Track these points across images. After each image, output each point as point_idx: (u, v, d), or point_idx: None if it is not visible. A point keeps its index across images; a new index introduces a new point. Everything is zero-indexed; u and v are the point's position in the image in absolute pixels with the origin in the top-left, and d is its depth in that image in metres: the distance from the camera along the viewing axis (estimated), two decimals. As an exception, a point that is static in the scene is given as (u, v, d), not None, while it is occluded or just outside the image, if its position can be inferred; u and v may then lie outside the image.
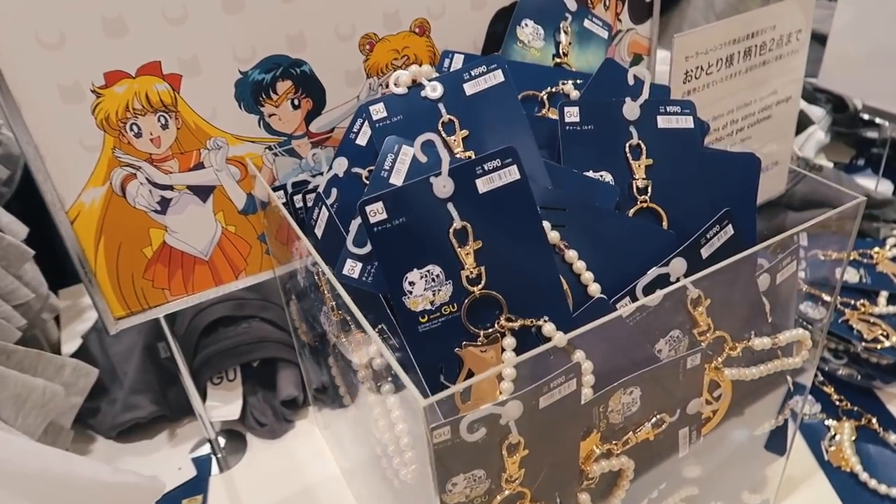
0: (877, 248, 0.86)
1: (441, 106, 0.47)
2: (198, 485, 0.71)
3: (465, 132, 0.47)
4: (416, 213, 0.40)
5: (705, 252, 0.45)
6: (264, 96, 0.59)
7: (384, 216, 0.39)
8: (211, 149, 0.59)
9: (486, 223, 0.41)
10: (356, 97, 0.63)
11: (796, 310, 0.55)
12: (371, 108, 0.48)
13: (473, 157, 0.46)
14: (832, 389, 0.75)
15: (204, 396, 0.78)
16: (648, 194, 0.47)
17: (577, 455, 0.43)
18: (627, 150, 0.48)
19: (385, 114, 0.48)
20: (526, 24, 0.65)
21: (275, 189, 0.59)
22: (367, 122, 0.49)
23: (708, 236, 0.44)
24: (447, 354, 0.42)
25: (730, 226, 0.45)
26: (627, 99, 0.48)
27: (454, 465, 0.39)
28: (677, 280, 0.44)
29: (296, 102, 0.61)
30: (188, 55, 0.55)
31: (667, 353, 0.46)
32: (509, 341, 0.42)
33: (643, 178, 0.48)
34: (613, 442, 0.46)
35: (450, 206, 0.40)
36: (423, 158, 0.43)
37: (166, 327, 0.66)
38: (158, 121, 0.56)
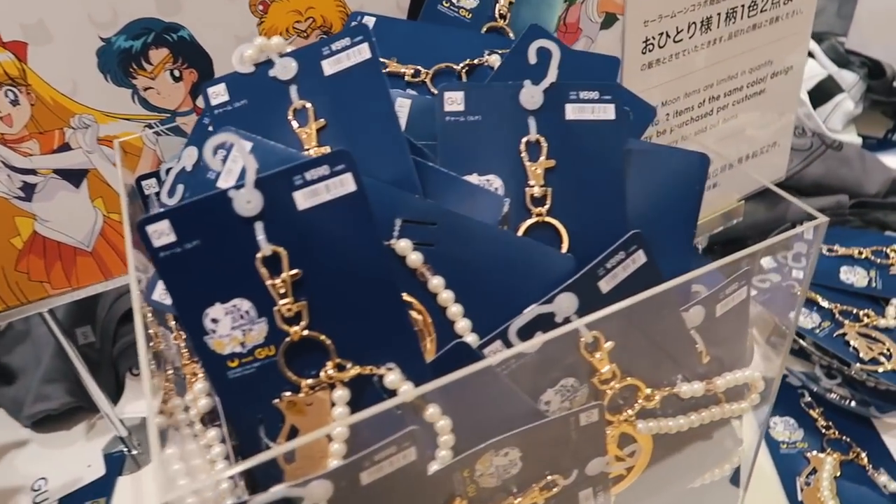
0: (894, 246, 0.74)
1: (293, 88, 0.38)
2: (105, 485, 0.67)
3: (321, 122, 0.38)
4: (213, 235, 0.31)
5: (605, 285, 0.35)
6: (135, 67, 0.50)
7: (172, 238, 0.31)
8: (77, 128, 0.51)
9: (309, 247, 0.32)
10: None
11: (752, 338, 0.45)
12: (210, 90, 0.39)
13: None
14: (818, 413, 0.64)
15: (123, 388, 0.73)
16: (546, 206, 0.38)
17: (436, 527, 0.35)
18: (523, 147, 0.38)
19: (227, 97, 0.39)
20: (456, -19, 0.54)
21: (150, 175, 0.51)
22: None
23: (608, 265, 0.35)
24: (265, 406, 0.34)
25: (640, 251, 0.35)
26: (527, 82, 0.38)
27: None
28: (565, 321, 0.35)
29: (176, 74, 0.52)
30: (32, 19, 0.46)
31: (558, 405, 0.37)
32: (340, 394, 0.34)
33: (541, 186, 0.38)
34: (491, 507, 0.38)
35: (257, 227, 0.31)
36: (215, 167, 0.34)
37: (51, 320, 0.60)
38: (6, 96, 0.48)
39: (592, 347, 0.36)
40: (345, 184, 0.32)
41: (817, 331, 0.66)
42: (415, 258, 0.35)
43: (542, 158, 0.38)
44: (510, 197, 0.38)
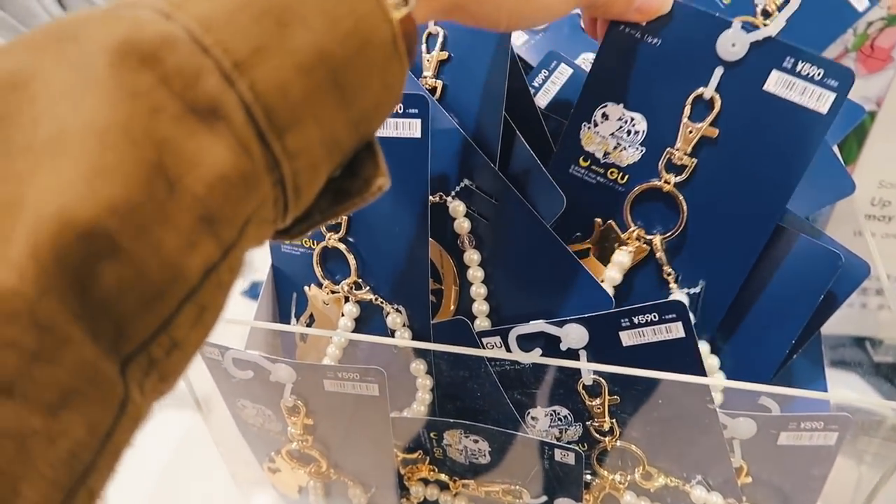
0: None
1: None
2: None
3: (444, 54, 0.36)
4: None
5: (627, 338, 0.31)
6: None
7: None
8: None
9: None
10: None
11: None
12: None
13: (439, 89, 0.37)
14: None
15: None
16: (680, 177, 0.31)
17: (392, 458, 0.38)
18: (690, 101, 0.31)
19: None
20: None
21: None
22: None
23: (635, 319, 0.31)
24: (300, 286, 0.38)
25: (678, 324, 0.30)
26: (736, 23, 0.30)
27: (235, 389, 0.37)
28: (569, 351, 0.32)
29: None
30: None
31: (545, 427, 0.35)
32: (350, 309, 0.36)
33: (687, 153, 0.31)
34: (453, 479, 0.39)
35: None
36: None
37: None
38: None
39: (593, 392, 0.33)
40: (412, 128, 0.33)
41: None
42: (462, 224, 0.35)
43: (705, 123, 0.31)
44: (647, 148, 0.32)
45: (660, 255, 0.33)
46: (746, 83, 0.30)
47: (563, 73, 0.40)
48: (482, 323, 0.35)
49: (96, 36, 0.16)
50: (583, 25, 0.36)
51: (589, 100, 0.33)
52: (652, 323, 0.31)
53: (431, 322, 0.35)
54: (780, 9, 0.47)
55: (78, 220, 0.14)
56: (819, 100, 0.30)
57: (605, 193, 0.33)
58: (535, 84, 0.41)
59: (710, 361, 0.33)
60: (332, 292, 0.37)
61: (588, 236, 0.34)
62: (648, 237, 0.33)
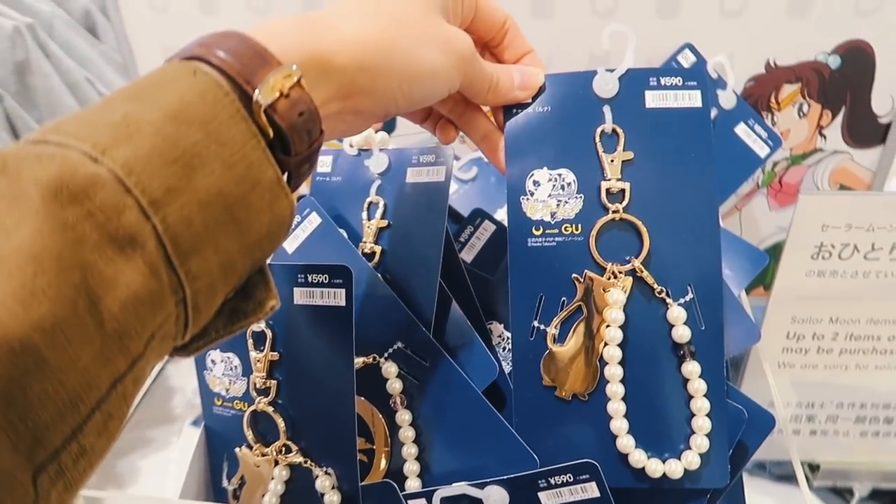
0: None
1: (376, 184, 0.41)
2: None
3: (384, 221, 0.40)
4: None
5: (546, 499, 0.32)
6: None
7: None
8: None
9: (296, 338, 0.35)
10: (430, 132, 0.58)
11: None
12: (321, 157, 0.44)
13: (378, 254, 0.39)
14: None
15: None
16: (625, 202, 0.34)
17: None
18: (598, 139, 0.35)
19: (329, 169, 0.43)
20: (644, 109, 0.51)
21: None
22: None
23: (552, 480, 0.31)
24: (231, 448, 0.38)
25: (592, 483, 0.31)
26: (600, 69, 0.35)
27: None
28: (492, 517, 0.33)
29: (365, 119, 0.58)
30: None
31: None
32: (279, 473, 0.37)
33: (618, 179, 0.34)
34: None
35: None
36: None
37: None
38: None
39: (519, 557, 0.33)
40: (337, 297, 0.34)
41: None
42: (394, 384, 0.36)
43: (620, 150, 0.34)
44: (584, 193, 0.35)
45: (646, 275, 0.34)
46: (631, 108, 0.35)
47: (486, 229, 0.43)
48: (413, 483, 0.36)
49: (31, 172, 0.18)
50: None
51: (516, 175, 0.35)
52: (567, 483, 0.31)
53: (360, 484, 0.35)
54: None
55: (10, 337, 0.16)
56: (690, 98, 0.35)
57: (568, 249, 0.35)
58: (462, 239, 0.43)
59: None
60: (263, 454, 0.37)
61: (572, 298, 0.35)
62: (627, 267, 0.34)
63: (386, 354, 0.37)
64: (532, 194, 0.35)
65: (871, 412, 0.50)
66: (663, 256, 0.34)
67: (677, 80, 0.35)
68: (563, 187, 0.35)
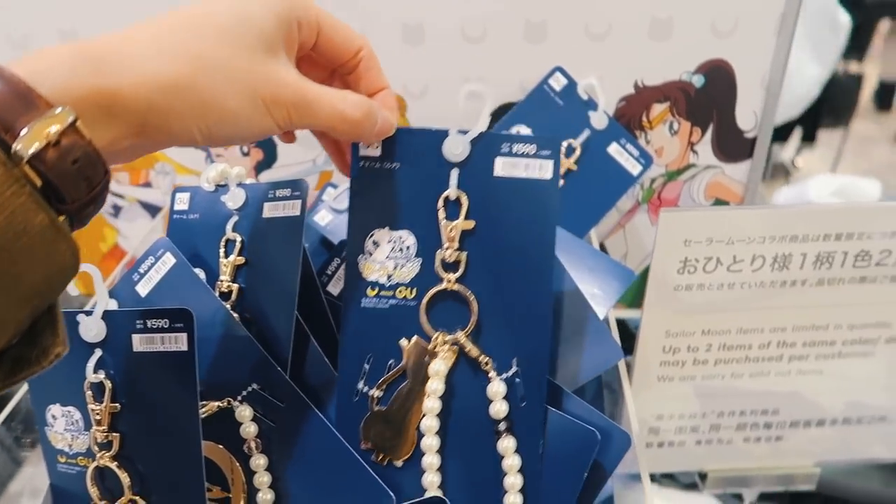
0: None
1: (232, 220, 0.39)
2: None
3: (241, 259, 0.39)
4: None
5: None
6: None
7: None
8: (159, 172, 0.59)
9: (138, 387, 0.34)
10: (312, 160, 0.57)
11: None
12: (178, 194, 0.42)
13: (235, 292, 0.38)
14: None
15: None
16: (458, 272, 0.33)
17: None
18: (441, 204, 0.34)
19: (187, 206, 0.41)
20: (517, 131, 0.51)
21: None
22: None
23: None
24: (80, 506, 0.36)
25: None
26: (452, 130, 0.34)
27: None
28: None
29: (244, 149, 0.57)
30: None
31: None
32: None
33: (455, 249, 0.33)
34: None
35: (94, 354, 0.34)
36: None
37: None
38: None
39: None
40: (178, 342, 0.33)
41: None
42: (248, 428, 0.35)
43: (461, 219, 0.34)
44: (423, 257, 0.34)
45: (470, 348, 0.33)
46: (479, 175, 0.34)
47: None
48: (266, 532, 0.34)
49: None
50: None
51: (357, 233, 0.35)
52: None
53: (214, 540, 0.34)
54: (563, 177, 0.52)
55: None
56: (541, 169, 0.34)
57: (400, 313, 0.34)
58: (329, 272, 0.42)
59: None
60: (110, 512, 0.35)
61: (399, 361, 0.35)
62: (453, 338, 0.33)
63: (240, 397, 0.35)
64: (370, 254, 0.35)
65: (750, 419, 0.51)
66: (492, 329, 0.34)
67: (530, 148, 0.34)
68: (402, 250, 0.35)
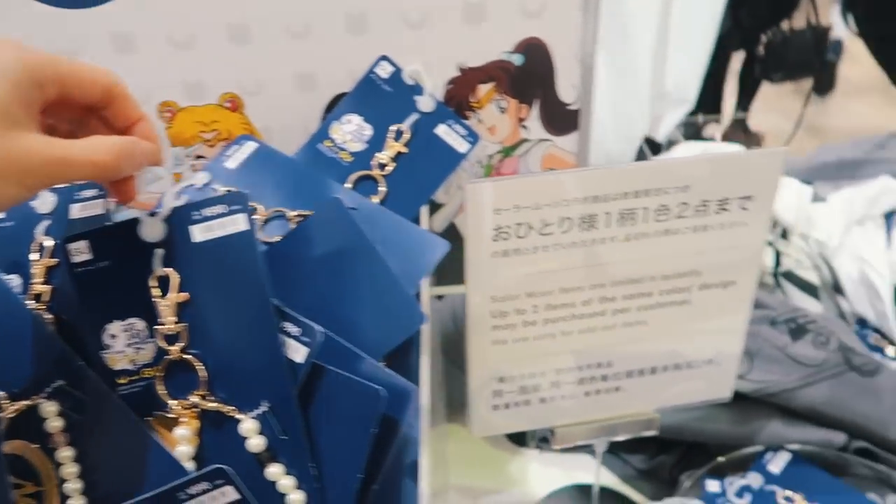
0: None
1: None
2: None
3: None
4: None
5: None
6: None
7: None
8: None
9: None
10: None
11: None
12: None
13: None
14: None
15: None
16: (181, 343, 0.36)
17: None
18: (155, 285, 0.37)
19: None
20: (349, 121, 0.54)
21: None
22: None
23: (190, 491, 0.32)
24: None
25: (230, 487, 0.32)
26: (142, 213, 0.37)
27: None
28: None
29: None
30: None
31: None
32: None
33: (174, 323, 0.36)
34: None
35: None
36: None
37: None
38: None
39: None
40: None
41: None
42: (54, 424, 0.36)
43: (172, 293, 0.36)
44: (154, 338, 0.37)
45: (209, 405, 0.36)
46: (181, 247, 0.37)
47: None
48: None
49: None
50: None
51: (93, 332, 0.37)
52: (206, 491, 0.33)
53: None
54: (394, 160, 0.54)
55: None
56: (235, 223, 0.37)
57: (150, 391, 0.37)
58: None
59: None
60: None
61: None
62: (189, 401, 0.36)
63: (45, 394, 0.37)
64: (110, 347, 0.37)
65: (587, 373, 0.54)
66: (231, 381, 0.36)
67: (221, 209, 0.36)
68: (136, 335, 0.37)
